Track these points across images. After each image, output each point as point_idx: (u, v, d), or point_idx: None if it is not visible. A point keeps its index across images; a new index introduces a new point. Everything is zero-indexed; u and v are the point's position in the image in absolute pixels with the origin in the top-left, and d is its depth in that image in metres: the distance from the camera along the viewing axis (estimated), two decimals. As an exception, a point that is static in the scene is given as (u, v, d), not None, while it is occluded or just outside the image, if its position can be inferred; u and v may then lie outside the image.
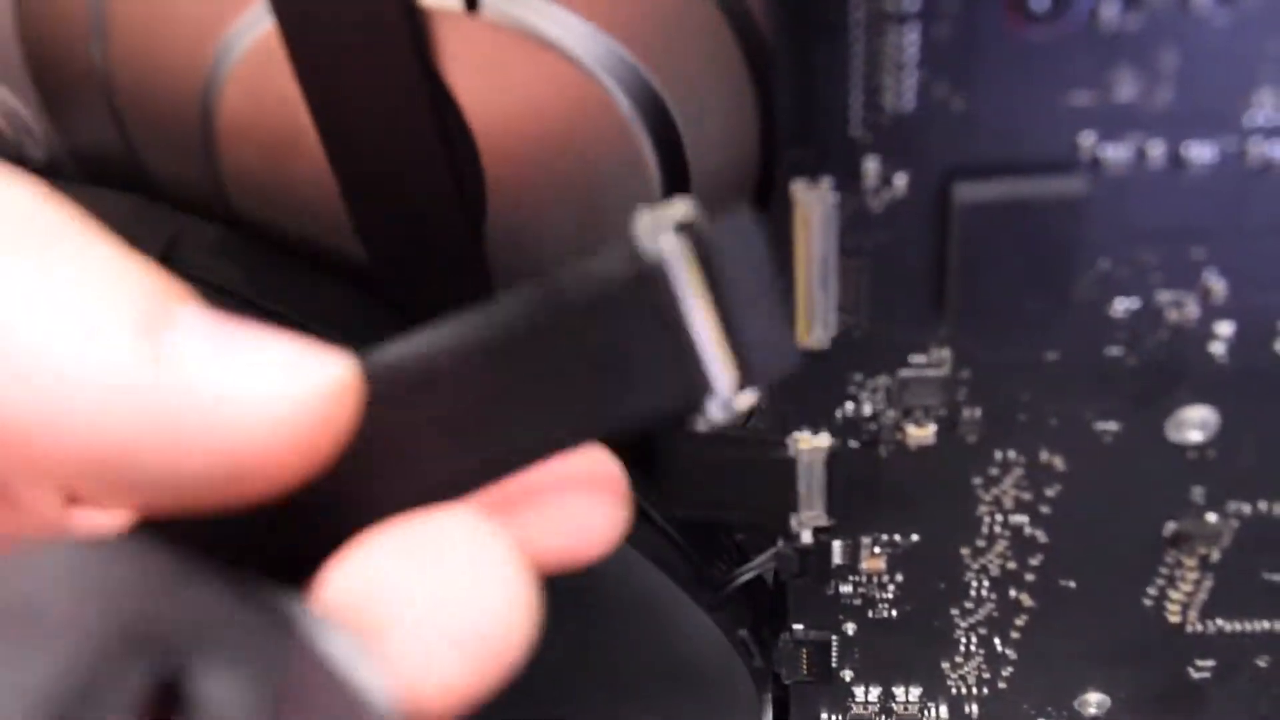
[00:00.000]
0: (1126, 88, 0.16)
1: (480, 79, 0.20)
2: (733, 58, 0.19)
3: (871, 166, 0.17)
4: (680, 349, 0.11)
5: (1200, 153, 0.17)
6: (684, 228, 0.11)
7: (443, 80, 0.20)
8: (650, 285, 0.11)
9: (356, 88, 0.20)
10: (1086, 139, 0.17)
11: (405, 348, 0.11)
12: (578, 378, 0.11)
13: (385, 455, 0.11)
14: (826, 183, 0.17)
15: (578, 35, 0.19)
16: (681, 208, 0.11)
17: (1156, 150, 0.17)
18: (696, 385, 0.11)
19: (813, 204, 0.17)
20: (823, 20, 0.16)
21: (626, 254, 0.11)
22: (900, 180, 0.17)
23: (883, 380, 0.20)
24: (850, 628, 0.24)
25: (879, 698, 0.26)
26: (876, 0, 0.16)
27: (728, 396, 0.11)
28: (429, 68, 0.20)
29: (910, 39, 0.16)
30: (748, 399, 0.12)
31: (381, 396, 0.11)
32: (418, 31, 0.19)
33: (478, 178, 0.21)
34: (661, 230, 0.11)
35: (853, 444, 0.21)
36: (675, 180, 0.21)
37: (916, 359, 0.19)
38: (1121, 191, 0.17)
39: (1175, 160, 0.17)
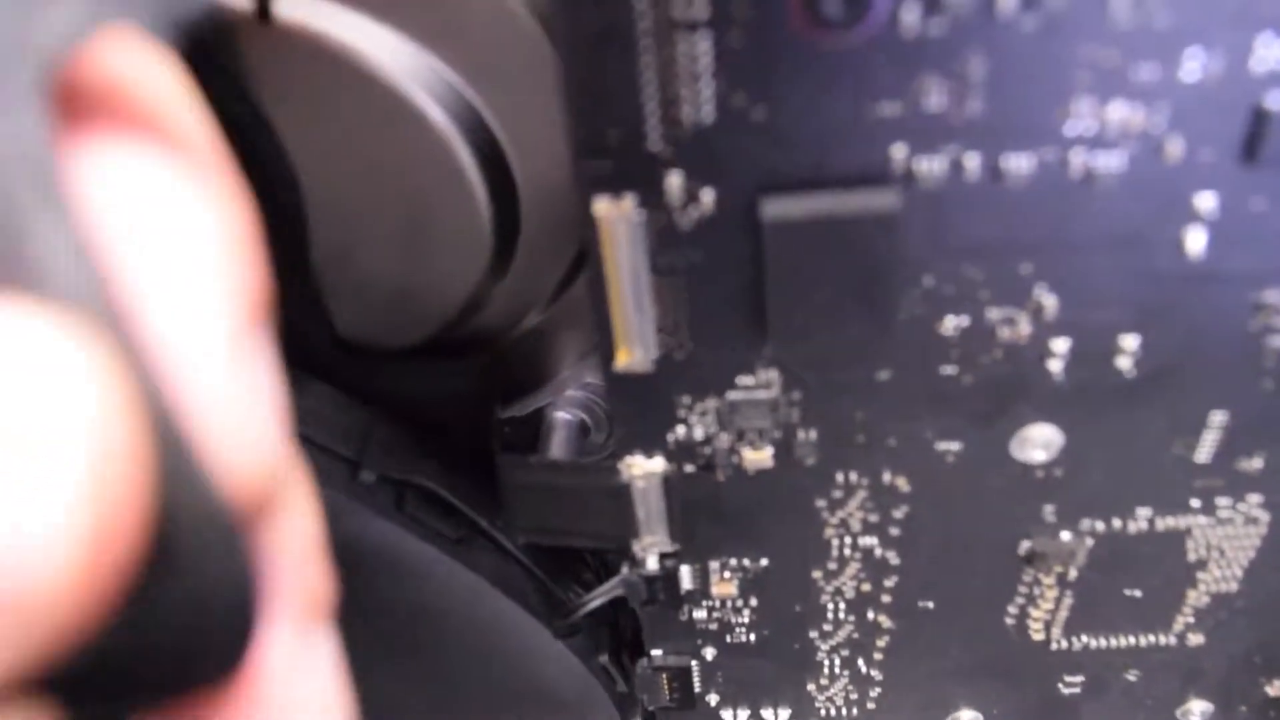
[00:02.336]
0: (935, 97, 0.15)
1: (285, 93, 0.19)
2: (553, 68, 0.18)
3: (675, 182, 0.16)
4: None
5: (1018, 164, 0.16)
6: None
7: (248, 94, 0.19)
8: None
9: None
10: (899, 151, 0.16)
11: None
12: None
13: None
14: (630, 199, 0.16)
15: (385, 47, 0.18)
16: None
17: (973, 162, 0.16)
18: None
19: (617, 222, 0.16)
20: (608, 28, 0.15)
21: None
22: (708, 196, 0.16)
23: (712, 403, 0.19)
24: (710, 652, 0.23)
25: (748, 721, 0.25)
26: (664, 6, 0.15)
27: None
28: (231, 80, 0.18)
29: (703, 47, 0.15)
30: None
31: None
32: (215, 42, 0.18)
33: (295, 192, 0.20)
34: None
35: (689, 468, 0.20)
36: (501, 191, 0.20)
37: (744, 380, 0.18)
38: (939, 205, 0.16)
39: (993, 172, 0.16)
